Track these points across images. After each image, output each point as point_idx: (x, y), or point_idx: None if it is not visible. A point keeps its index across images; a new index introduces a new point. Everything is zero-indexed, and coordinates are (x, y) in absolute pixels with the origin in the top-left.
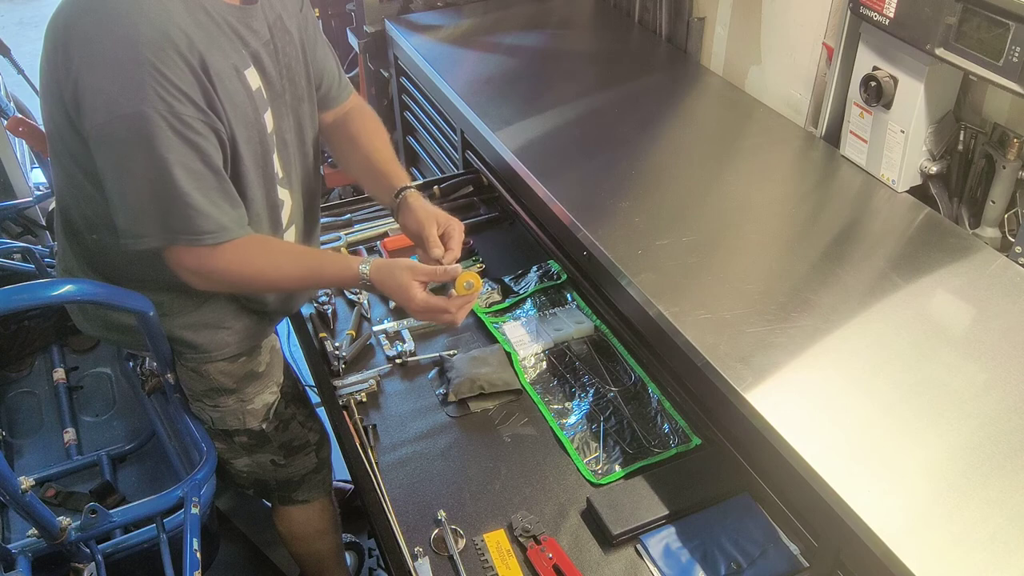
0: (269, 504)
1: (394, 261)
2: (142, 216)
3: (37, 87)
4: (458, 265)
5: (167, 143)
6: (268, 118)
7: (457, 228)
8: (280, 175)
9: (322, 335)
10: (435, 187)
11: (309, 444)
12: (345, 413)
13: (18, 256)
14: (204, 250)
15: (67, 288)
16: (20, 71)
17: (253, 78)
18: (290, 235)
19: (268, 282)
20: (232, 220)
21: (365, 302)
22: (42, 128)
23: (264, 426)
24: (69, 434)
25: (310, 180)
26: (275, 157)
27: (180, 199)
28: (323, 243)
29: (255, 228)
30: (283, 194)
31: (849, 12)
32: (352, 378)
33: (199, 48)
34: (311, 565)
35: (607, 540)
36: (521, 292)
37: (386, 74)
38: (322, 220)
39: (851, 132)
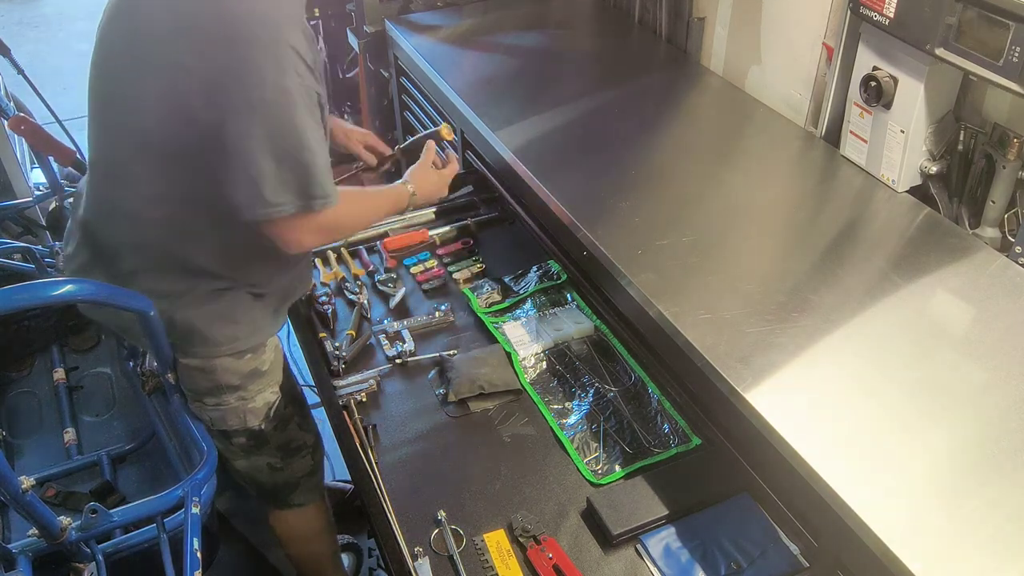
0: None
1: (417, 171)
2: (283, 186)
3: (37, 87)
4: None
5: (303, 115)
6: None
7: (371, 136)
8: None
9: (322, 335)
10: None
11: (306, 446)
12: (345, 413)
13: (18, 256)
14: (328, 211)
15: (67, 288)
16: (20, 71)
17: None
18: None
19: (366, 224)
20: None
21: (365, 302)
22: (42, 128)
23: (264, 425)
24: (69, 434)
25: None
26: None
27: (314, 166)
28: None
29: None
30: None
31: (849, 12)
32: (352, 378)
33: (309, 30)
34: (308, 566)
35: (607, 540)
36: (521, 292)
37: (386, 74)
38: None
39: (851, 132)
